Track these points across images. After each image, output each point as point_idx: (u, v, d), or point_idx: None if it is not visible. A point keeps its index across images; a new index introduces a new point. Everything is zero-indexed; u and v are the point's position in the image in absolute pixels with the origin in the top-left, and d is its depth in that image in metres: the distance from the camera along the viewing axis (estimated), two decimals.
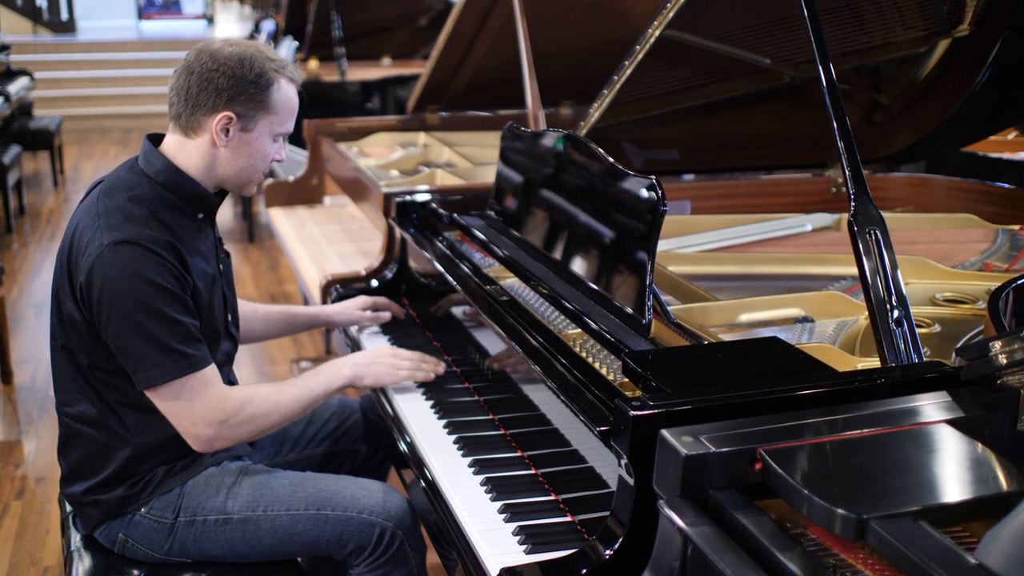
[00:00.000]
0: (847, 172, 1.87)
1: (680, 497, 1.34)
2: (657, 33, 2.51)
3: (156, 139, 2.16)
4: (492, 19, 3.78)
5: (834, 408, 1.47)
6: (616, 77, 2.67)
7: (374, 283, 2.92)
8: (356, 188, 3.74)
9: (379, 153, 4.25)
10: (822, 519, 1.21)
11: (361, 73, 6.59)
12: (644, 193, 1.92)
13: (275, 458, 2.41)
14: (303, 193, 4.41)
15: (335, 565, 2.22)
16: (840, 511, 1.19)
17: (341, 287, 2.92)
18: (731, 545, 1.25)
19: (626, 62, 2.63)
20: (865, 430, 1.41)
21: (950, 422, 1.42)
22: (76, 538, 2.22)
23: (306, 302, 4.39)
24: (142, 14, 17.94)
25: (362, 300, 2.66)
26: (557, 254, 2.24)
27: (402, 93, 6.49)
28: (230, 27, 17.61)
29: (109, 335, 1.97)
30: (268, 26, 8.41)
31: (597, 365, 1.81)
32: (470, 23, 3.80)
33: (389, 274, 2.93)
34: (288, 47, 6.86)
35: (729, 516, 1.29)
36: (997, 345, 1.47)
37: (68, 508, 2.29)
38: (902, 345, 1.71)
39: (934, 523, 1.17)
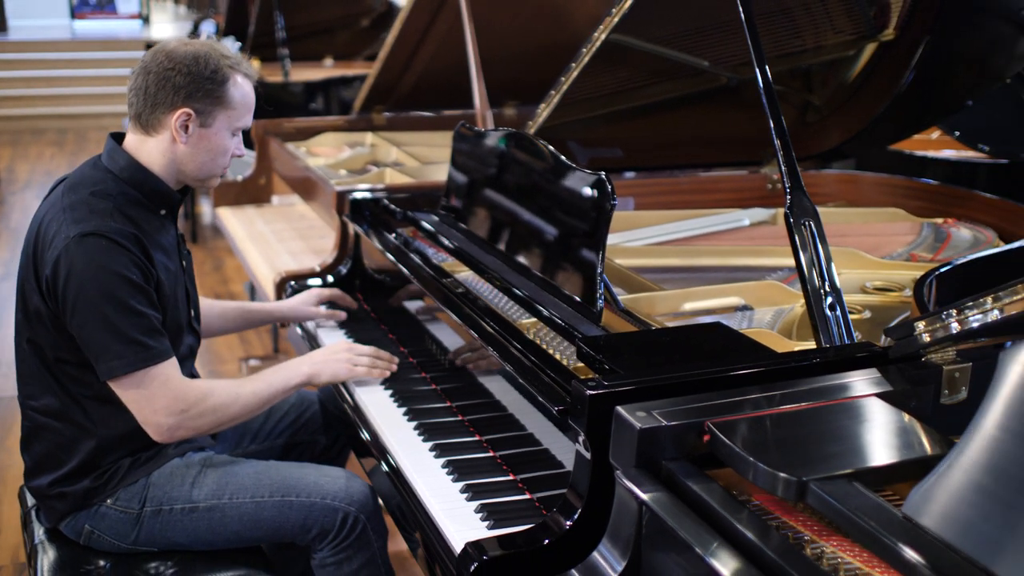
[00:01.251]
0: (783, 168, 2.00)
1: (635, 468, 1.45)
2: (603, 36, 2.62)
3: (119, 137, 2.22)
4: (439, 22, 3.87)
5: (774, 385, 1.59)
6: (563, 79, 2.78)
7: (329, 279, 2.99)
8: (306, 187, 3.81)
9: (327, 153, 4.32)
10: (766, 483, 1.32)
11: (304, 74, 6.62)
12: (594, 188, 2.03)
13: (236, 449, 2.47)
14: (251, 192, 4.46)
15: (298, 550, 2.29)
16: (782, 475, 1.30)
17: (296, 283, 2.99)
18: (684, 509, 1.36)
19: (573, 64, 2.74)
20: (803, 404, 1.53)
21: (879, 395, 1.55)
22: (39, 531, 2.26)
23: (252, 299, 4.45)
24: (75, 13, 17.69)
25: (315, 293, 2.73)
26: (510, 248, 2.34)
27: (345, 94, 6.53)
28: (165, 27, 17.45)
29: (74, 326, 2.02)
30: (208, 27, 8.41)
31: (551, 351, 1.91)
32: (417, 26, 3.88)
33: (343, 270, 3.01)
34: (231, 47, 6.86)
35: (681, 484, 1.40)
36: (920, 325, 1.60)
37: (31, 503, 2.33)
38: (836, 328, 1.83)
39: (866, 484, 1.30)
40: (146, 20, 17.80)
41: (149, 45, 10.02)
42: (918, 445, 1.40)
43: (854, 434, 1.44)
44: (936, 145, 4.33)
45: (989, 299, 1.50)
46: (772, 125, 2.03)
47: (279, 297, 3.01)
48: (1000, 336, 1.57)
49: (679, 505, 1.37)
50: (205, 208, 7.64)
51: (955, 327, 1.56)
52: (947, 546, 1.14)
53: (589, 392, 1.55)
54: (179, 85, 2.11)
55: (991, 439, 1.16)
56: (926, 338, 1.61)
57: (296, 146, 4.30)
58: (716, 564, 1.24)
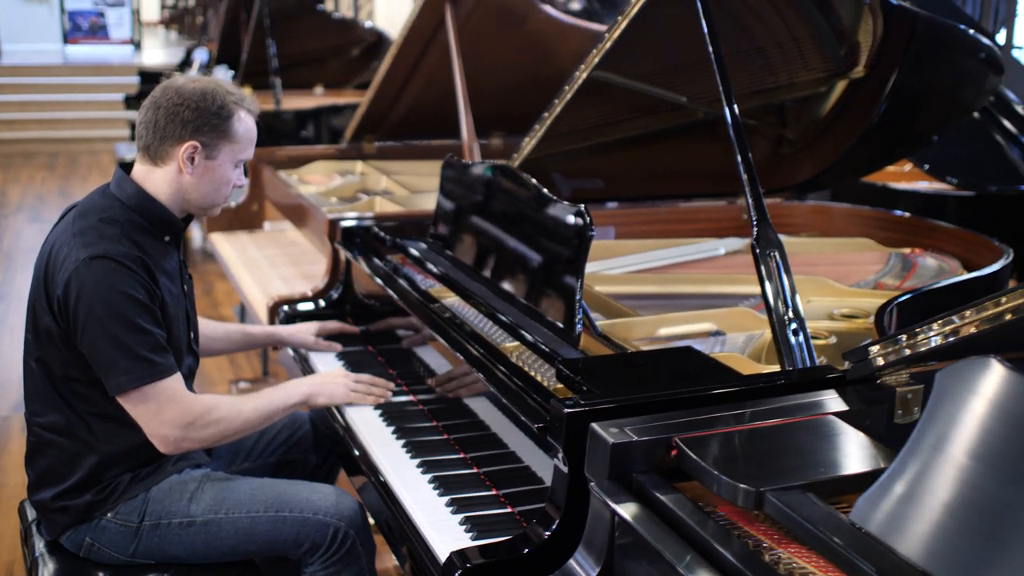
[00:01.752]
0: (749, 201, 2.13)
1: (608, 480, 1.56)
2: (585, 74, 2.75)
3: (127, 167, 2.34)
4: (429, 55, 4.00)
5: (739, 404, 1.71)
6: (547, 113, 2.91)
7: (321, 303, 3.10)
8: (298, 214, 3.92)
9: (318, 181, 4.44)
10: (728, 493, 1.44)
11: (295, 102, 6.75)
12: (573, 219, 2.15)
13: (231, 467, 2.57)
14: (244, 219, 4.58)
15: (290, 564, 2.39)
16: (742, 486, 1.42)
17: (289, 308, 3.10)
18: (653, 518, 1.48)
19: (556, 100, 2.87)
20: (765, 422, 1.65)
21: (836, 414, 1.67)
22: (40, 544, 2.36)
23: (243, 322, 4.55)
24: (68, 38, 17.84)
25: (315, 326, 2.85)
26: (494, 275, 2.46)
27: (335, 122, 6.66)
28: (156, 53, 17.64)
29: (84, 344, 2.14)
30: (201, 54, 8.54)
31: (533, 373, 2.03)
32: (408, 58, 4.01)
33: (335, 294, 3.12)
34: (223, 75, 7.00)
35: (650, 495, 1.52)
36: (875, 349, 1.73)
37: (31, 516, 2.43)
38: (799, 353, 1.96)
39: (818, 494, 1.42)
40: (138, 46, 17.97)
41: (141, 71, 10.21)
42: (868, 459, 1.52)
43: (810, 449, 1.56)
44: (909, 177, 4.48)
45: (937, 324, 1.62)
46: (739, 160, 2.16)
47: (272, 321, 3.12)
48: (947, 359, 1.69)
49: (648, 515, 1.49)
50: (195, 234, 7.74)
51: (907, 351, 1.68)
52: (888, 549, 1.26)
53: (567, 410, 1.67)
54: (187, 119, 2.23)
55: (922, 454, 1.28)
56: (880, 361, 1.73)
57: (288, 174, 4.42)
58: (681, 568, 1.35)
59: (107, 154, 11.47)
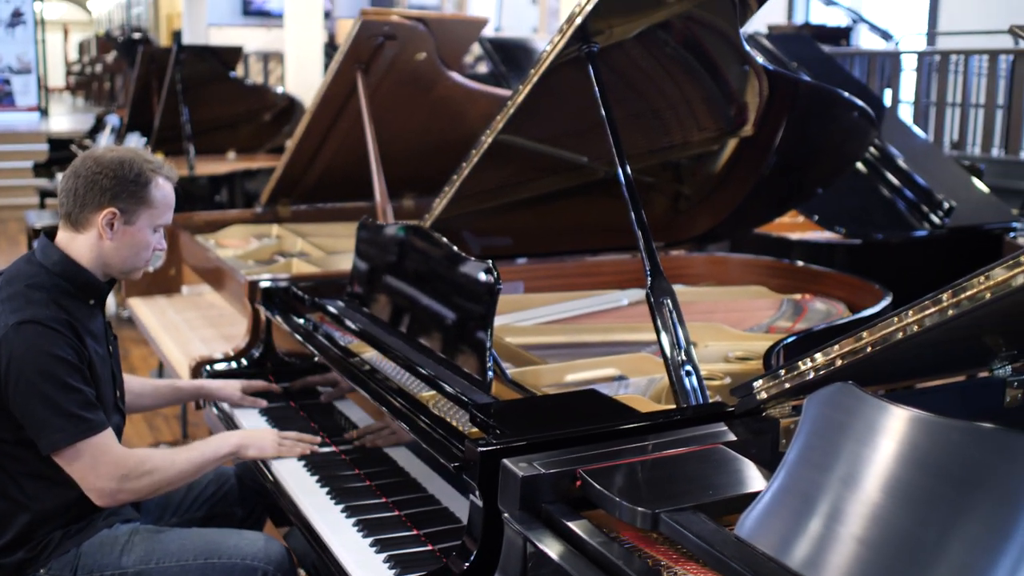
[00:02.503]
0: (643, 255, 2.31)
1: (520, 510, 1.70)
2: (491, 138, 2.92)
3: (51, 234, 2.44)
4: (342, 121, 4.15)
5: (638, 438, 1.87)
6: (456, 175, 3.07)
7: (243, 361, 3.20)
8: (217, 277, 4.02)
9: (235, 244, 4.54)
10: (627, 516, 1.59)
11: (209, 167, 6.84)
12: (483, 275, 2.31)
13: (159, 522, 2.64)
14: (161, 283, 4.65)
15: None
16: (640, 508, 1.58)
17: (210, 367, 3.19)
18: (561, 543, 1.62)
19: (463, 163, 3.04)
20: (660, 453, 1.81)
21: (726, 444, 1.84)
22: None
23: None
24: None
25: (241, 383, 2.94)
26: (409, 329, 2.60)
27: (249, 186, 6.76)
28: (63, 119, 17.51)
29: (16, 406, 2.22)
30: (112, 120, 8.57)
31: (449, 419, 2.17)
32: (322, 124, 4.16)
33: (256, 353, 3.22)
34: (137, 142, 7.06)
35: (558, 522, 1.66)
36: (758, 384, 1.90)
37: None
38: (691, 391, 2.13)
39: (709, 514, 1.57)
40: (44, 112, 17.81)
41: (50, 138, 10.18)
42: (751, 481, 1.69)
43: (701, 475, 1.73)
44: (801, 228, 4.75)
45: (809, 360, 1.80)
46: (632, 217, 2.34)
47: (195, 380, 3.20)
48: None
49: (557, 539, 1.63)
50: (110, 300, 7.71)
51: (786, 384, 1.86)
52: (768, 558, 1.42)
53: (480, 449, 1.81)
54: (105, 187, 2.35)
55: (793, 469, 1.45)
56: (764, 395, 1.90)
57: (205, 238, 4.51)
58: None
59: (15, 222, 11.35)
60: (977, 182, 4.92)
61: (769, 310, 3.26)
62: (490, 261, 2.31)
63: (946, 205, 4.49)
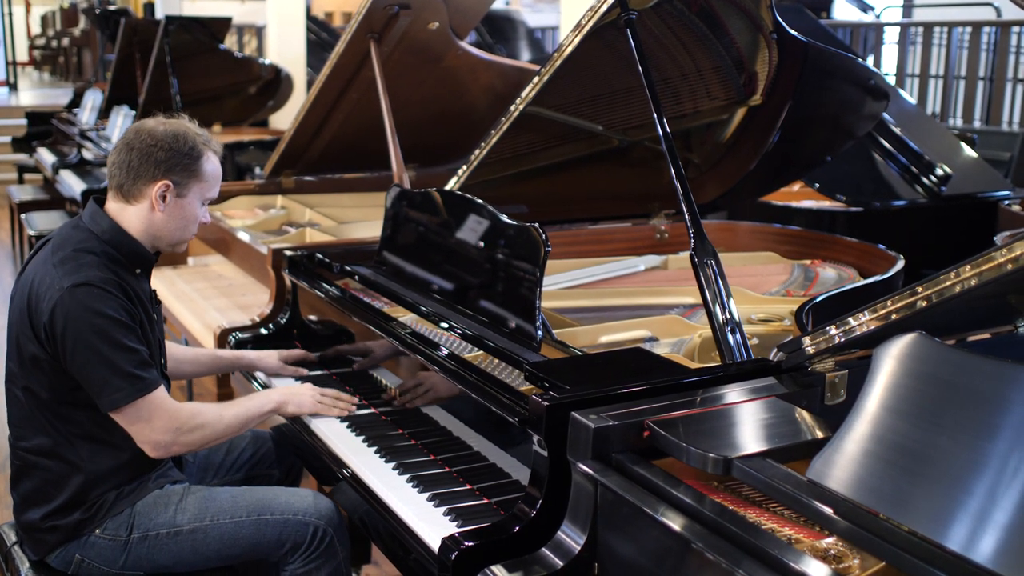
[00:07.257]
0: (686, 217, 2.39)
1: (592, 459, 1.78)
2: (521, 107, 2.98)
3: (100, 201, 2.48)
4: (350, 92, 4.18)
5: (694, 392, 1.95)
6: (483, 144, 3.13)
7: (271, 327, 3.25)
8: (231, 248, 4.05)
9: (241, 215, 4.58)
10: (698, 462, 1.68)
11: None
12: (532, 236, 2.39)
13: (200, 484, 2.71)
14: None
15: (267, 567, 2.55)
16: (711, 455, 1.66)
17: (239, 334, 3.24)
18: (634, 484, 1.70)
19: (492, 131, 3.10)
20: (719, 404, 1.89)
21: (778, 396, 1.93)
22: (24, 566, 2.46)
23: None
24: None
25: (279, 352, 2.99)
26: (450, 293, 2.67)
27: (239, 159, 6.77)
28: (31, 94, 17.30)
29: (74, 367, 2.27)
30: (94, 95, 8.50)
31: (502, 377, 2.24)
32: (331, 94, 4.18)
33: (282, 320, 3.27)
34: (125, 116, 7.03)
35: (629, 468, 1.74)
36: (806, 340, 1.99)
37: (13, 538, 2.52)
38: (737, 349, 2.22)
39: (776, 460, 1.66)
40: (14, 87, 17.59)
41: (29, 112, 10.07)
42: (812, 430, 1.78)
43: (764, 424, 1.81)
44: (799, 196, 4.85)
45: (855, 318, 1.88)
46: (674, 174, 2.42)
47: (221, 348, 3.25)
48: (867, 347, 1.96)
49: (630, 482, 1.71)
50: None
51: (836, 339, 1.94)
52: (844, 499, 1.51)
53: (545, 403, 1.89)
54: (160, 160, 2.39)
55: (872, 415, 1.54)
56: (811, 350, 1.99)
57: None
58: (667, 521, 1.58)
59: None
60: (968, 150, 5.03)
61: (782, 275, 3.36)
62: (536, 224, 2.38)
63: (940, 172, 4.60)
